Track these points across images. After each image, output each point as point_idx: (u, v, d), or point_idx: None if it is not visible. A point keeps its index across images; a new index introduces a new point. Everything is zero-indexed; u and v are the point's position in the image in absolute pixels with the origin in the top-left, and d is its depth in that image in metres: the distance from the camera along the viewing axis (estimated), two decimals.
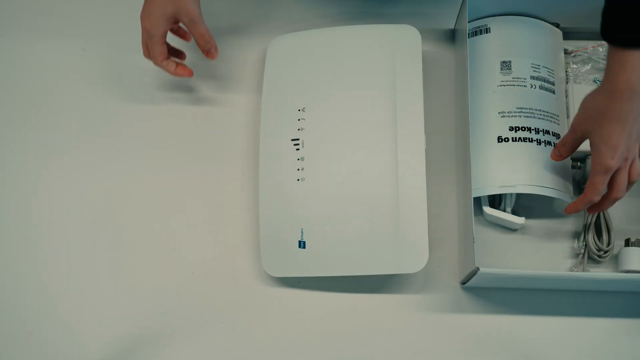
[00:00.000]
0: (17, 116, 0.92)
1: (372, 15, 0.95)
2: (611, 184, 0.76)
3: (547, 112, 0.86)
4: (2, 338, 0.83)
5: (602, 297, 0.83)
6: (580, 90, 0.85)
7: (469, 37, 0.90)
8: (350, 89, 0.85)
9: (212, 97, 0.93)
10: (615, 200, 0.77)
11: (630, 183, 0.76)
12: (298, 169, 0.83)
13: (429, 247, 0.79)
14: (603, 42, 0.88)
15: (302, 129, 0.85)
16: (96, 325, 0.84)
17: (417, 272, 0.79)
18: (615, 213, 0.85)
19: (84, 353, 0.82)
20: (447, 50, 0.94)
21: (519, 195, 0.85)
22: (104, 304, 0.84)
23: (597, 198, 0.77)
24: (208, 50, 0.86)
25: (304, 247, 0.81)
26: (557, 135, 0.86)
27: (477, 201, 0.85)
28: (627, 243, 0.82)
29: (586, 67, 0.90)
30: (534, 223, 0.85)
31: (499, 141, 0.85)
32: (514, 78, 0.88)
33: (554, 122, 0.86)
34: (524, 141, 0.85)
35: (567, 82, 0.90)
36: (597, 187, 0.76)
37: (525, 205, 0.86)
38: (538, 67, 0.88)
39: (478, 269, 0.75)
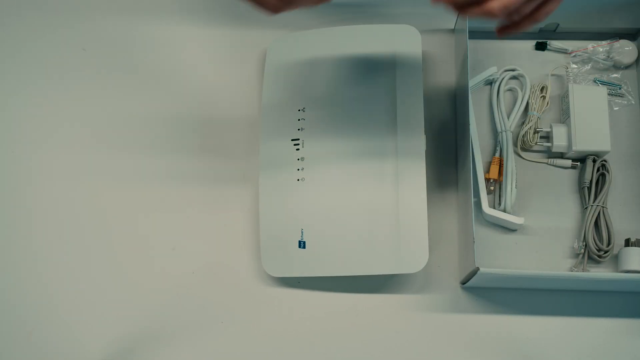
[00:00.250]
0: (17, 116, 0.92)
1: (372, 15, 0.95)
2: None
3: None
4: (2, 338, 0.83)
5: (602, 297, 0.83)
6: (581, 90, 0.85)
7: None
8: (351, 89, 0.85)
9: (212, 97, 0.93)
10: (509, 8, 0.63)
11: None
12: (298, 169, 0.83)
13: (428, 247, 0.79)
14: (603, 42, 0.88)
15: (302, 129, 0.84)
16: (96, 325, 0.84)
17: (417, 272, 0.79)
18: (615, 213, 0.85)
19: (84, 353, 0.82)
20: (447, 50, 0.94)
21: (519, 195, 0.85)
22: (104, 304, 0.84)
23: None
24: None
25: (304, 247, 0.81)
26: None
27: (477, 201, 0.85)
28: (627, 243, 0.82)
29: (586, 67, 0.90)
30: (534, 223, 0.85)
31: None
32: None
33: None
34: None
35: (567, 82, 0.90)
36: None
37: (526, 205, 0.86)
38: None
39: (478, 269, 0.75)
